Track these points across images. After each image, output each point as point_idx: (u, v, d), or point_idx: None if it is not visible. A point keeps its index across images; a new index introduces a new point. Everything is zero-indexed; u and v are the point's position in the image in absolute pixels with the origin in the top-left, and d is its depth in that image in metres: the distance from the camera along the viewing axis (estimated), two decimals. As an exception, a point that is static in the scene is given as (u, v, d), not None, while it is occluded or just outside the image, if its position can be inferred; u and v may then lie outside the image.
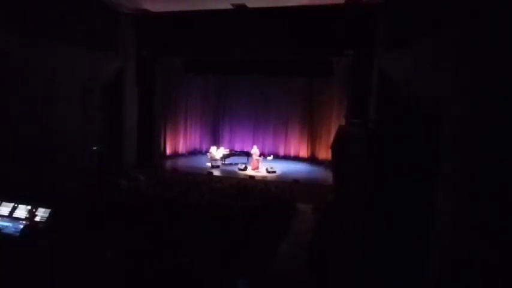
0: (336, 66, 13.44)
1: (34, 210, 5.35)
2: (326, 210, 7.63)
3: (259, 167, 13.91)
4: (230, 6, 11.06)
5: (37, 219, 5.29)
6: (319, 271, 5.25)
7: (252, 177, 12.64)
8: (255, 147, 14.49)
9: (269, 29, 11.18)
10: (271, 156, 15.50)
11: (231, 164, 14.73)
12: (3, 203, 5.47)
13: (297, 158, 16.32)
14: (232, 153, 15.42)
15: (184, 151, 16.70)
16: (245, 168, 13.82)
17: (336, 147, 6.25)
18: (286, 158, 16.41)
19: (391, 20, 8.78)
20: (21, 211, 5.37)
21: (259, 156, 14.25)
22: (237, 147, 16.88)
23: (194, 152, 17.06)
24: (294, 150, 16.63)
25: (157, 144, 14.46)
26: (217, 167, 14.24)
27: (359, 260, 4.38)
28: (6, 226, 5.19)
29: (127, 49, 12.37)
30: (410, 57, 6.60)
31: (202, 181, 10.91)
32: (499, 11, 3.15)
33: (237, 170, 13.89)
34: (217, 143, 17.00)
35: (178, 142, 16.43)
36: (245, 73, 15.70)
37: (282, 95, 16.42)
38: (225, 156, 14.96)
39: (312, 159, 15.91)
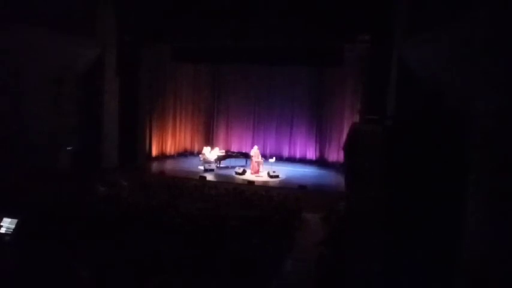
0: (349, 55, 13.41)
1: (-2, 220, 5.33)
2: (337, 221, 7.63)
3: (260, 171, 13.89)
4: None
5: (2, 231, 5.27)
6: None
7: (251, 182, 12.61)
8: (255, 147, 14.47)
9: (271, 10, 11.15)
10: (274, 158, 15.46)
11: (227, 168, 14.67)
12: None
13: (303, 161, 16.28)
14: (228, 155, 15.35)
15: (173, 152, 16.64)
16: (243, 172, 13.80)
17: (348, 148, 6.24)
18: (291, 160, 16.36)
19: (414, 1, 8.76)
20: (-17, 221, 5.34)
21: (260, 158, 14.23)
22: (234, 148, 16.82)
23: (184, 153, 16.99)
24: (300, 152, 16.59)
25: (141, 144, 14.42)
26: (211, 170, 14.20)
27: (376, 277, 4.37)
28: (-34, 239, 5.17)
29: (107, 34, 12.35)
30: (436, 44, 6.59)
31: (194, 187, 10.89)
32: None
33: (234, 174, 13.85)
34: (211, 143, 16.95)
35: (166, 142, 16.39)
36: (243, 62, 15.61)
37: (286, 87, 16.36)
38: (220, 158, 14.92)
39: (320, 162, 15.87)
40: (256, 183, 12.50)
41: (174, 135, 16.71)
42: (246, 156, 15.07)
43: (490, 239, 3.54)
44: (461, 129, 4.06)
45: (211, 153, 15.06)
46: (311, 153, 16.37)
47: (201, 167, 14.50)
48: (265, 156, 15.30)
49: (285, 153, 16.69)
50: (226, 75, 17.07)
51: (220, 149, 15.80)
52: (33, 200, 7.08)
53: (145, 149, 14.90)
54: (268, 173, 13.54)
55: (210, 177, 13.28)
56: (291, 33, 11.63)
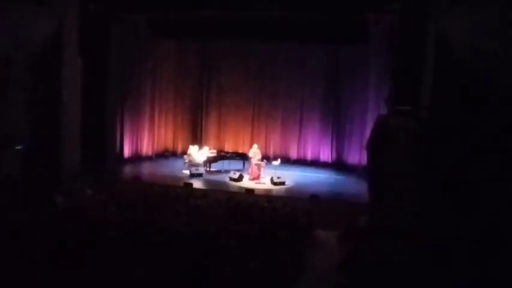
0: (374, 29, 13.40)
1: None
2: (358, 240, 7.62)
3: (261, 176, 13.91)
4: None
5: None
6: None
7: (250, 190, 12.62)
8: (254, 147, 14.47)
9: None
10: (279, 160, 15.48)
11: (219, 172, 14.71)
12: None
13: (316, 163, 16.32)
14: (221, 156, 15.38)
15: (150, 152, 16.67)
16: (240, 178, 13.81)
17: (373, 147, 6.24)
18: (301, 163, 16.43)
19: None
20: None
21: (261, 160, 14.24)
22: (228, 147, 16.86)
23: (165, 154, 17.05)
24: (311, 152, 16.62)
25: (111, 143, 14.41)
26: (199, 175, 14.23)
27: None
28: None
29: (67, 2, 12.31)
30: (486, 15, 6.57)
31: (177, 196, 10.91)
32: None
33: (228, 180, 13.88)
34: (198, 141, 16.98)
35: (141, 140, 16.40)
36: (241, 38, 15.62)
37: (295, 71, 16.37)
38: (210, 161, 14.92)
39: (338, 165, 15.91)
40: (256, 192, 12.52)
41: (151, 131, 16.73)
42: (244, 157, 15.10)
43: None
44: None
45: (199, 154, 15.06)
46: (326, 154, 16.41)
47: (186, 171, 14.53)
48: (267, 158, 15.31)
49: (293, 153, 16.75)
50: (219, 54, 17.06)
51: (210, 149, 15.80)
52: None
53: (116, 148, 14.90)
54: (272, 179, 13.56)
55: (197, 184, 13.31)
56: (301, 2, 11.60)
